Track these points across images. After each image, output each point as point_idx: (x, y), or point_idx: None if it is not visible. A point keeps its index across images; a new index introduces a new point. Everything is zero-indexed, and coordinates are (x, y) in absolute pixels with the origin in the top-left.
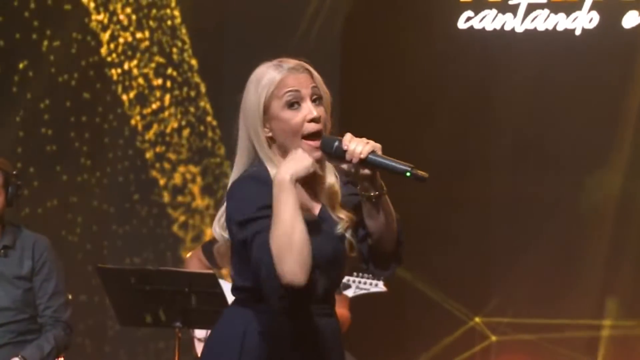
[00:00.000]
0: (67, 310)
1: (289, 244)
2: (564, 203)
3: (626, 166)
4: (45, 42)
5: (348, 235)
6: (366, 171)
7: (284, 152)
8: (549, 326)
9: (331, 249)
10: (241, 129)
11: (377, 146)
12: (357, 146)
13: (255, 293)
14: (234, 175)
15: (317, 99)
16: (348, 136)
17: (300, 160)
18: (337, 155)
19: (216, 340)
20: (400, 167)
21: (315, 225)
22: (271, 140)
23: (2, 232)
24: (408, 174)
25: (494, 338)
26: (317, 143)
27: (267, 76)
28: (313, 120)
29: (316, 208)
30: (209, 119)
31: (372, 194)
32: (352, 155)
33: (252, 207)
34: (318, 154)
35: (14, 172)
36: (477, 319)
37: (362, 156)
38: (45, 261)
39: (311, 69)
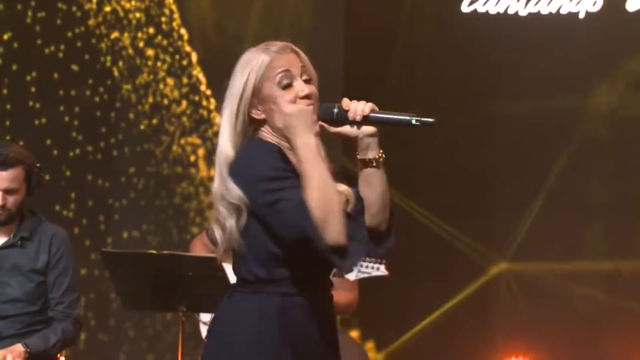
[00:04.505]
0: (79, 306)
1: (332, 206)
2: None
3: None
4: (30, 13)
5: (349, 209)
6: (370, 128)
7: (279, 132)
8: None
9: None
10: (226, 112)
11: (375, 106)
12: (358, 105)
13: (270, 279)
14: (225, 159)
15: (307, 79)
16: (346, 100)
17: (308, 121)
18: (339, 119)
19: (227, 329)
20: (405, 117)
21: None
22: (263, 122)
23: (20, 223)
24: (414, 121)
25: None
26: (314, 116)
27: (255, 60)
28: (306, 97)
29: None
30: (202, 88)
31: (372, 157)
32: (354, 113)
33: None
34: (317, 127)
35: (37, 165)
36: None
37: (365, 112)
38: (62, 256)
39: (298, 49)
